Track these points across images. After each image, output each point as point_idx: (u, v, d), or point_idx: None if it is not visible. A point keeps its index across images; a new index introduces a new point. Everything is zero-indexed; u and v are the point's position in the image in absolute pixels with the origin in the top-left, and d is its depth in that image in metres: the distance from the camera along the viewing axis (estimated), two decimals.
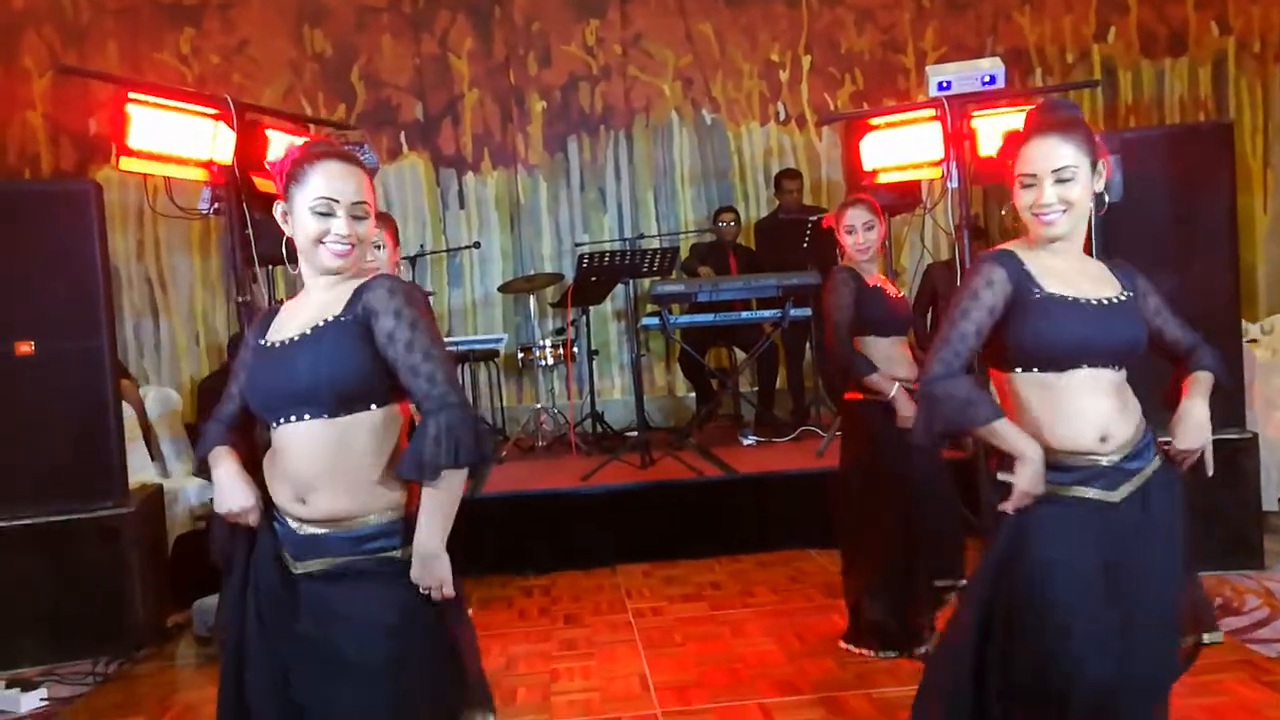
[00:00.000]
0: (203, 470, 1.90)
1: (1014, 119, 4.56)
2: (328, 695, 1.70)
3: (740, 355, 6.41)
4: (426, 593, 1.71)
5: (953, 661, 1.91)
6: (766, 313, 5.79)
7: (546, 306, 6.75)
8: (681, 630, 3.70)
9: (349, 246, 1.73)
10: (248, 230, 3.96)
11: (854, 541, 3.37)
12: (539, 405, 6.38)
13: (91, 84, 6.14)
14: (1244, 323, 4.73)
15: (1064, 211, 1.85)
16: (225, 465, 1.80)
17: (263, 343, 1.80)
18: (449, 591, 1.72)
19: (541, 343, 6.06)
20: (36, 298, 3.70)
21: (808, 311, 5.70)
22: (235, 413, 1.86)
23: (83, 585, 3.70)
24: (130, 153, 3.66)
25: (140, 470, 4.56)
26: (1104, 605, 1.80)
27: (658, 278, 5.64)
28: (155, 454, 5.12)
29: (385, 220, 3.03)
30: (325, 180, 1.72)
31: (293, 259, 1.80)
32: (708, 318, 5.78)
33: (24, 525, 3.67)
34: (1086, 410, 1.84)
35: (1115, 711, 1.79)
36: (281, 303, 1.88)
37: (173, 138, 3.73)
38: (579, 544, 4.65)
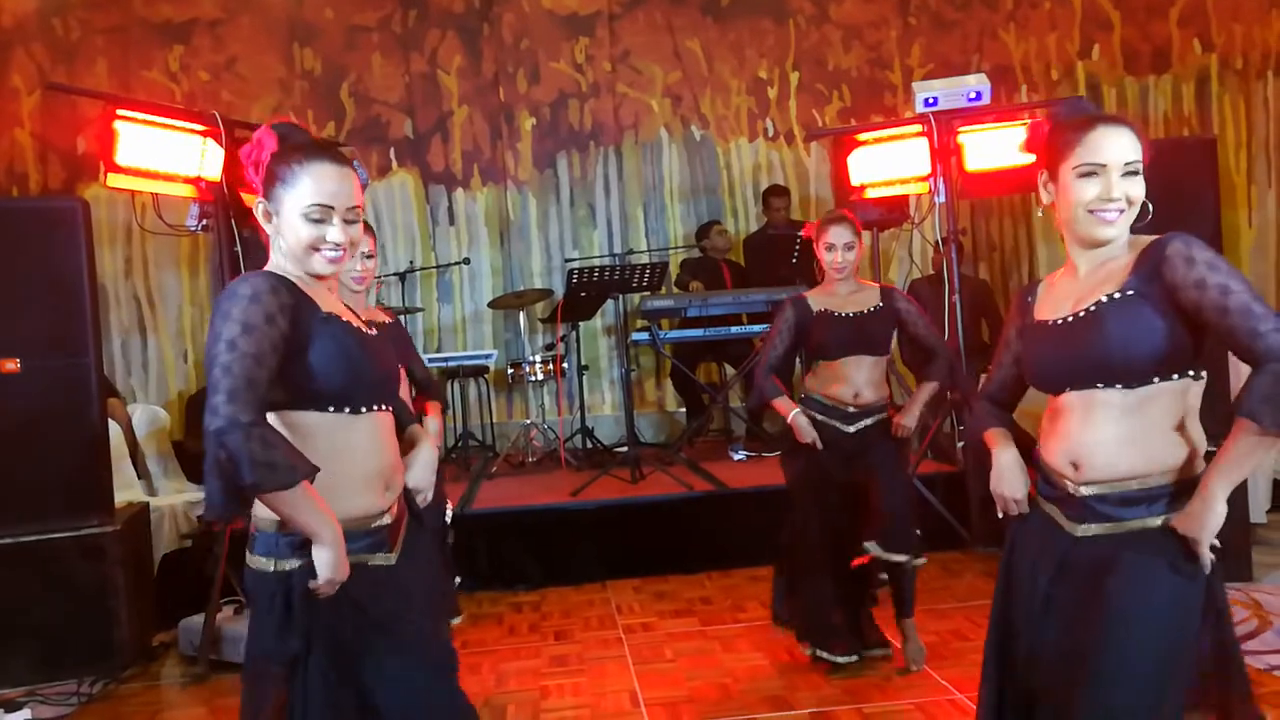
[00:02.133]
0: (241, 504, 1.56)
1: (1000, 135, 4.62)
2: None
3: (730, 370, 6.42)
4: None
5: (984, 673, 1.87)
6: (756, 328, 5.80)
7: (536, 322, 6.75)
8: (672, 646, 3.68)
9: (343, 253, 1.68)
10: (236, 247, 3.97)
11: (792, 548, 3.41)
12: (529, 421, 6.37)
13: (80, 101, 6.14)
14: None
15: (1123, 211, 1.67)
16: (335, 524, 1.60)
17: (336, 317, 1.66)
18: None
19: (532, 358, 6.06)
20: (23, 315, 3.68)
21: None
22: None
23: (67, 604, 3.66)
24: (118, 169, 3.66)
25: (126, 488, 4.54)
26: (1037, 639, 1.73)
27: (647, 293, 5.65)
28: (142, 472, 5.09)
29: (368, 230, 3.03)
30: (318, 185, 1.64)
31: (251, 253, 1.78)
32: (697, 333, 5.79)
33: (8, 543, 3.64)
34: (1064, 432, 1.73)
35: None
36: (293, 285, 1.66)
37: (161, 154, 3.73)
38: (569, 560, 4.64)
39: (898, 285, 6.56)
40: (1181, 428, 1.65)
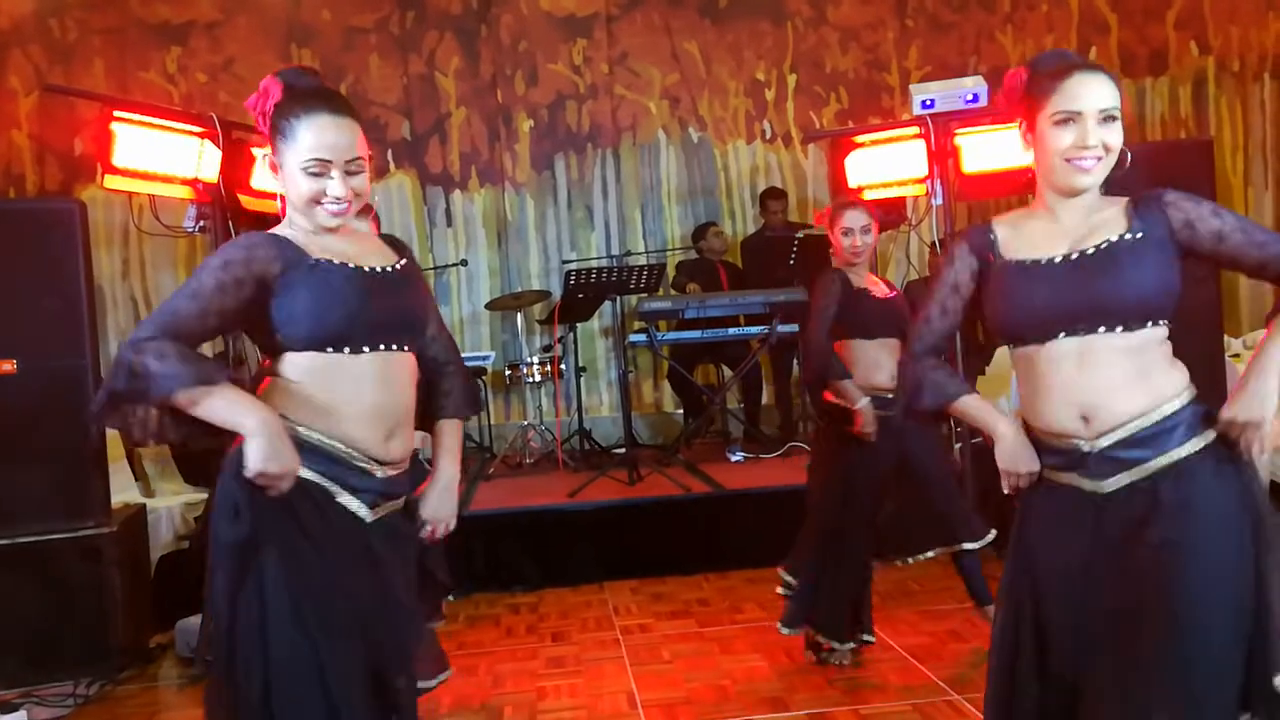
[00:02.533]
0: (133, 416, 1.56)
1: (997, 137, 4.62)
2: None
3: (728, 372, 6.42)
4: (433, 531, 1.86)
5: (995, 658, 1.77)
6: (754, 329, 5.81)
7: (534, 324, 6.75)
8: (669, 647, 3.68)
9: (347, 205, 1.66)
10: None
11: (816, 536, 3.36)
12: (526, 422, 6.37)
13: (77, 103, 6.13)
14: (1226, 338, 4.77)
15: (1100, 159, 1.64)
16: (260, 408, 1.57)
17: (330, 262, 1.65)
18: (453, 525, 1.88)
19: (529, 360, 6.06)
20: (19, 316, 3.67)
21: (795, 328, 5.71)
22: (204, 338, 1.62)
23: (63, 606, 3.65)
24: (115, 171, 3.65)
25: (123, 490, 4.53)
26: (1083, 606, 1.62)
27: (645, 294, 5.65)
28: (139, 473, 5.08)
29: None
30: (317, 137, 1.61)
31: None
32: (695, 334, 5.79)
33: (4, 544, 3.62)
34: (1066, 385, 1.62)
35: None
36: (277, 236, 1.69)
37: (158, 156, 3.72)
38: (566, 561, 4.63)
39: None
40: (1171, 365, 1.66)
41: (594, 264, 6.32)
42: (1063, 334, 1.62)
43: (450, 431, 1.91)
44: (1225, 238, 1.62)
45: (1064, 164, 1.65)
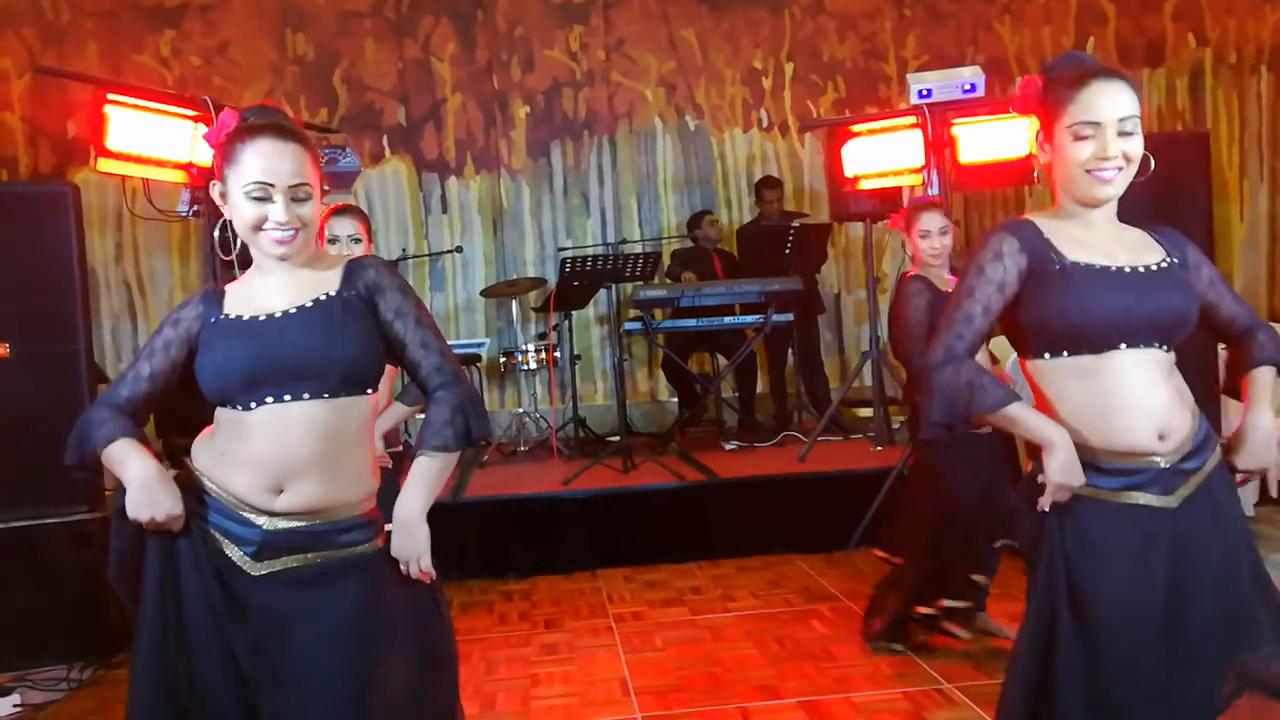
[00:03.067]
0: (84, 466, 1.69)
1: (993, 127, 4.61)
2: (292, 705, 1.59)
3: (723, 361, 6.43)
4: (405, 569, 1.67)
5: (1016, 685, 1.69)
6: (749, 318, 5.80)
7: (529, 311, 6.74)
8: (662, 635, 3.70)
9: (292, 233, 1.61)
10: (228, 233, 3.94)
11: (910, 540, 3.33)
12: (521, 410, 6.37)
13: (70, 85, 6.09)
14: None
15: (1121, 169, 1.62)
16: (141, 461, 1.62)
17: (227, 317, 1.64)
18: (427, 565, 1.67)
19: (524, 347, 6.05)
20: (12, 300, 3.66)
21: (790, 317, 5.71)
22: (140, 398, 1.69)
23: (57, 590, 3.65)
24: (109, 154, 3.64)
25: None
26: (1162, 642, 1.59)
27: (640, 282, 5.65)
28: None
29: (358, 214, 3.00)
30: (259, 161, 1.58)
31: (224, 246, 1.72)
32: (690, 323, 5.78)
33: None
34: (1141, 401, 1.60)
35: None
36: (219, 286, 1.72)
37: (152, 139, 3.71)
38: (560, 548, 4.64)
39: (890, 277, 6.58)
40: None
41: (589, 252, 6.30)
42: (1123, 345, 1.61)
43: (420, 465, 1.66)
44: (1214, 285, 1.76)
45: (1084, 175, 1.64)
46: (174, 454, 5.92)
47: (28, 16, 6.54)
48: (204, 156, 3.81)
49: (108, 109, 3.59)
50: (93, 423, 1.68)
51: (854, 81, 7.12)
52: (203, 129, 3.79)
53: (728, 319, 5.82)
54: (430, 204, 6.95)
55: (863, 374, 5.55)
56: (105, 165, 3.66)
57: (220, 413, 1.68)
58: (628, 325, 5.88)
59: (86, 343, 3.78)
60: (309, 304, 1.64)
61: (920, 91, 4.62)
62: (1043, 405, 1.69)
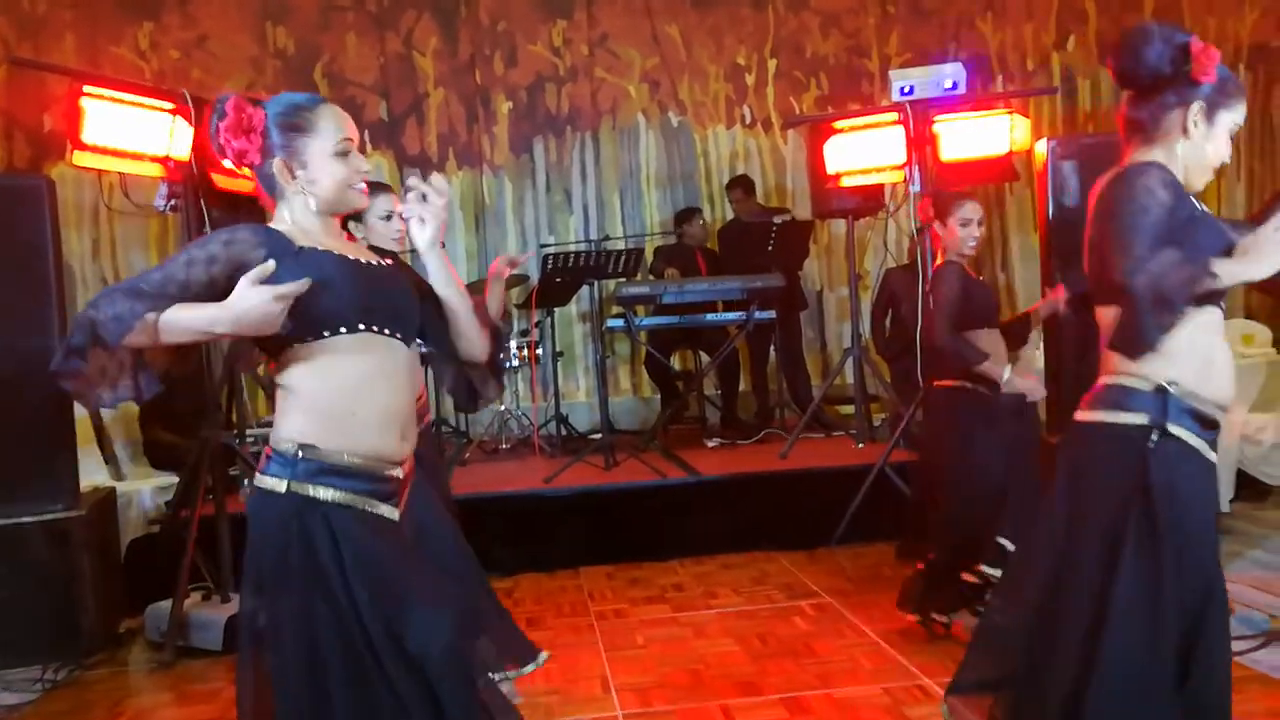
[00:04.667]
0: (82, 357, 1.56)
1: (975, 124, 4.63)
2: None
3: (705, 358, 6.43)
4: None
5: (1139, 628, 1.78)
6: (731, 315, 5.80)
7: (511, 308, 6.72)
8: (644, 632, 3.69)
9: (365, 184, 1.77)
10: (206, 228, 3.90)
11: (934, 522, 3.36)
12: (503, 407, 6.35)
13: (47, 78, 6.01)
14: None
15: None
16: (217, 305, 1.57)
17: (316, 249, 1.68)
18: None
19: (506, 344, 6.02)
20: None
21: (772, 314, 5.71)
22: (164, 304, 1.58)
23: (32, 590, 3.61)
24: (85, 147, 3.58)
25: (93, 473, 4.47)
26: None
27: (623, 279, 5.64)
28: (109, 456, 5.01)
29: (391, 190, 3.04)
30: (339, 123, 1.73)
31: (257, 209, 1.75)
32: (672, 320, 5.78)
33: None
34: (1228, 357, 1.81)
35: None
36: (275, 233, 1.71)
37: (129, 133, 3.66)
38: (542, 546, 4.63)
39: (873, 274, 6.60)
40: None
41: (572, 248, 6.29)
42: (1222, 302, 1.80)
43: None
44: None
45: (1216, 163, 1.87)
46: (156, 448, 5.86)
47: (3, 7, 6.45)
48: (182, 150, 3.77)
49: (84, 102, 3.54)
50: (115, 303, 1.54)
51: (837, 78, 7.13)
52: (181, 122, 3.75)
53: (710, 316, 5.82)
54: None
55: (845, 371, 5.56)
56: (81, 159, 3.60)
57: (322, 344, 1.65)
58: (610, 322, 5.86)
59: (62, 339, 3.73)
60: (378, 263, 1.78)
61: (903, 88, 4.62)
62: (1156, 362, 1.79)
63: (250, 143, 1.68)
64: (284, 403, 1.71)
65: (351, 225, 2.89)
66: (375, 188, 2.93)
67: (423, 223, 1.78)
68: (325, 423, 1.67)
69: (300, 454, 1.65)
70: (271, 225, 1.72)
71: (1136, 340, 1.69)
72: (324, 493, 1.65)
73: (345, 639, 1.63)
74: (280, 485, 1.65)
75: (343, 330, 1.66)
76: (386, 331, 1.71)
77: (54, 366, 1.58)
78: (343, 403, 1.67)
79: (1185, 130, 1.82)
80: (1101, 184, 1.88)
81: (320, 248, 1.70)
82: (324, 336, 1.66)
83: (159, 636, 3.74)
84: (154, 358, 1.64)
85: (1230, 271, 1.69)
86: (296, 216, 1.73)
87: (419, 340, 1.86)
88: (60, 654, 3.60)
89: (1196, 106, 1.81)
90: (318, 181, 1.71)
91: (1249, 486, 4.72)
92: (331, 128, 1.71)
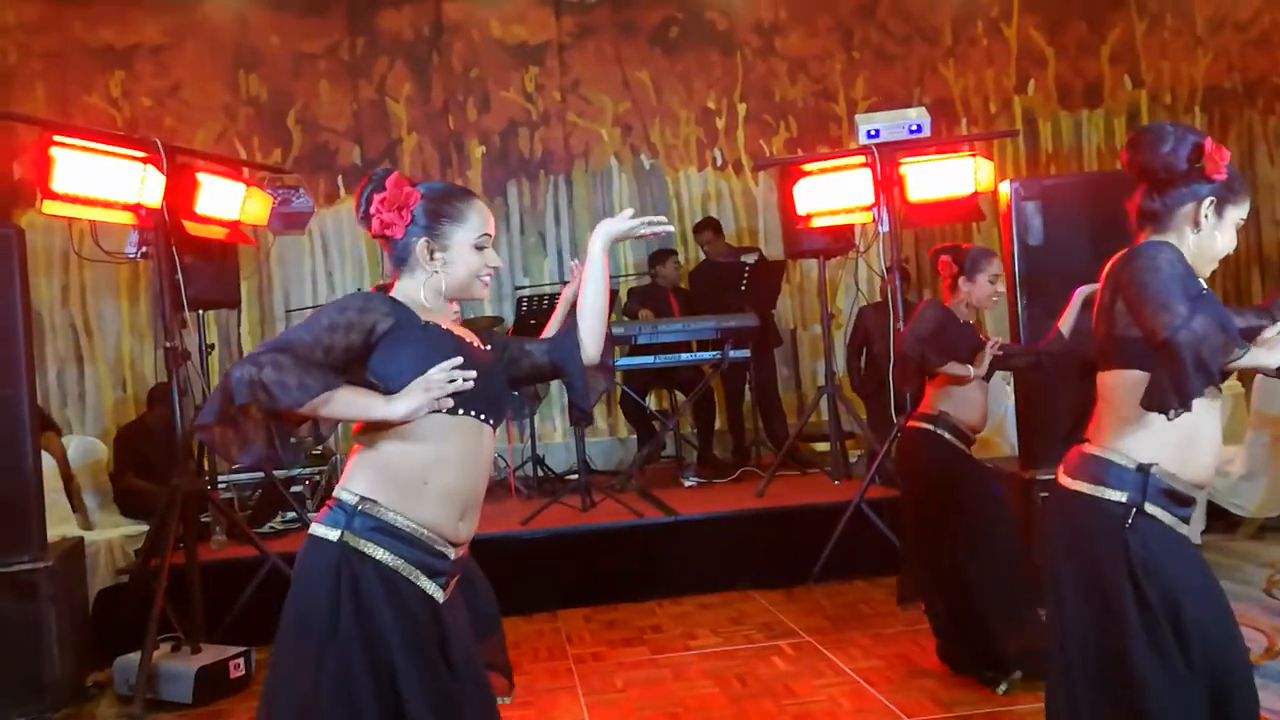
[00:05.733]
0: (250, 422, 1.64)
1: (940, 166, 4.72)
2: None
3: (681, 397, 6.44)
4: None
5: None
6: (705, 354, 5.83)
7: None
8: (623, 675, 3.66)
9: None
10: (177, 275, 3.89)
11: (923, 579, 3.38)
12: None
13: (17, 127, 5.99)
14: None
15: None
16: (383, 397, 1.70)
17: (437, 325, 1.77)
18: None
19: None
20: None
21: (746, 353, 5.75)
22: (315, 368, 1.66)
23: None
24: (55, 196, 3.58)
25: (61, 523, 4.40)
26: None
27: None
28: (77, 505, 4.94)
29: None
30: (484, 219, 1.84)
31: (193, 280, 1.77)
32: (647, 360, 5.80)
33: None
34: (1214, 435, 1.87)
35: None
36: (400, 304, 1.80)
37: (99, 181, 3.66)
38: (519, 589, 4.56)
39: (845, 312, 6.67)
40: None
41: (546, 290, 6.31)
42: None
43: None
44: None
45: (1222, 255, 1.95)
46: (129, 495, 5.78)
47: None
48: (153, 198, 3.77)
49: (53, 151, 3.54)
50: (285, 369, 1.61)
51: (805, 121, 7.26)
52: (152, 170, 3.76)
53: (685, 356, 5.85)
54: None
55: (819, 408, 5.60)
56: (51, 208, 3.60)
57: (418, 435, 1.70)
58: None
59: (29, 387, 3.69)
60: (484, 348, 1.86)
61: (869, 132, 4.72)
62: (1119, 420, 1.87)
63: (400, 218, 1.78)
64: (359, 458, 1.75)
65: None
66: None
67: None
68: (394, 485, 1.71)
69: (361, 507, 1.69)
70: (393, 295, 1.79)
71: (1176, 394, 1.71)
72: (375, 551, 1.68)
73: (383, 703, 1.64)
74: (333, 534, 1.68)
75: (443, 411, 1.71)
76: (481, 417, 1.77)
77: (203, 421, 1.64)
78: (418, 472, 1.72)
79: (1197, 223, 1.91)
80: (1116, 260, 1.96)
81: (441, 325, 1.79)
82: (425, 414, 1.70)
83: (128, 689, 3.66)
84: (289, 423, 1.70)
85: (1252, 355, 1.75)
86: (422, 293, 1.80)
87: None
88: (26, 709, 3.51)
89: (1208, 201, 1.90)
90: (453, 265, 1.80)
91: (1219, 518, 4.78)
92: (478, 221, 1.82)
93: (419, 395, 1.67)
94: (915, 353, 3.21)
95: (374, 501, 1.69)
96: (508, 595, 4.51)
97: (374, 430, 1.73)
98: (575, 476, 5.41)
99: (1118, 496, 1.85)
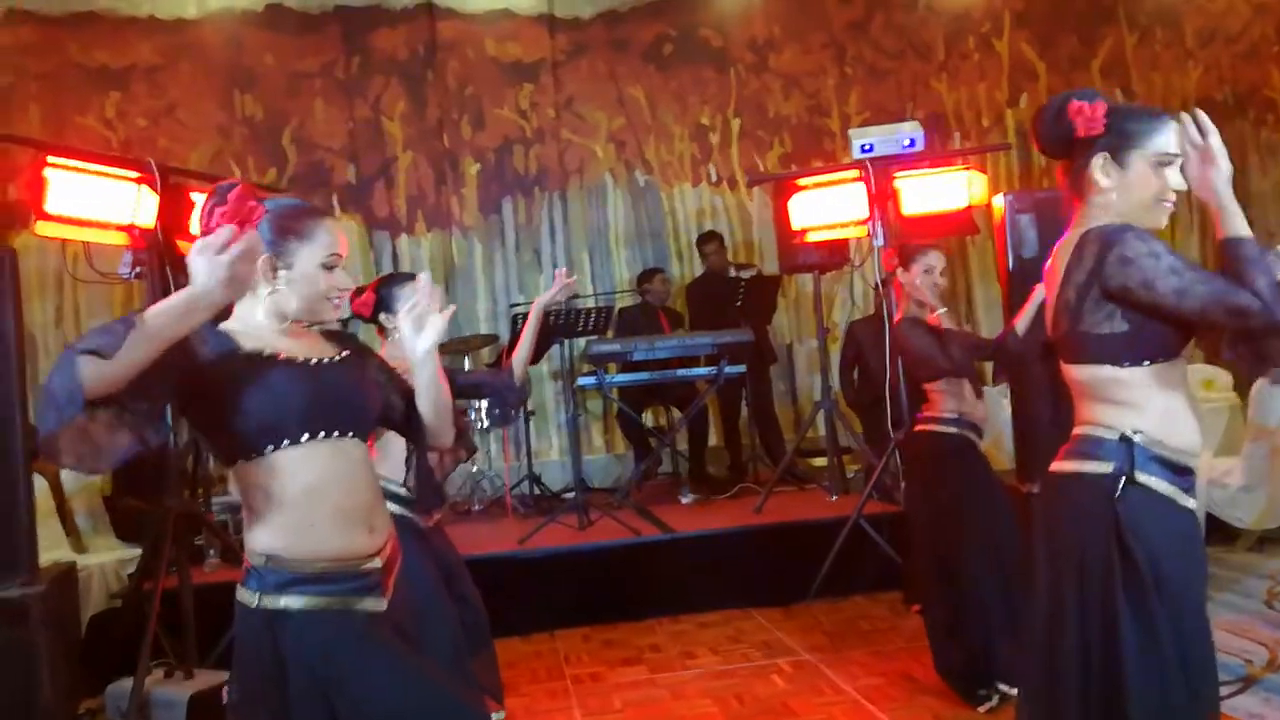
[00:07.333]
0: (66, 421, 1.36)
1: (934, 180, 4.73)
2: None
3: (677, 414, 6.42)
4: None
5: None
6: (701, 370, 5.82)
7: (482, 368, 6.70)
8: (621, 695, 3.63)
9: (340, 298, 1.82)
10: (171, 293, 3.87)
11: (928, 579, 3.35)
12: (475, 468, 6.30)
13: (11, 148, 5.98)
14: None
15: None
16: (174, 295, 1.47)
17: (260, 353, 1.66)
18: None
19: (477, 405, 6.00)
20: None
21: (742, 369, 5.74)
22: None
23: None
24: (49, 217, 3.57)
25: (53, 547, 4.36)
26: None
27: (594, 337, 5.65)
28: (69, 529, 4.89)
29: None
30: (333, 239, 1.79)
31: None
32: (644, 376, 5.79)
33: None
34: (1193, 406, 1.83)
35: None
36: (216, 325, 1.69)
37: (93, 202, 3.65)
38: (516, 610, 4.54)
39: (840, 327, 6.66)
40: None
41: None
42: (1185, 353, 1.81)
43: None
44: None
45: (1156, 204, 1.84)
46: (125, 517, 5.71)
47: None
48: (147, 218, 3.76)
49: (47, 172, 3.53)
50: (92, 337, 1.38)
51: (799, 137, 7.28)
52: (146, 190, 3.75)
53: (681, 371, 5.83)
54: (382, 262, 6.92)
55: (816, 423, 5.58)
56: (44, 229, 3.58)
57: (273, 459, 1.63)
58: (581, 380, 5.86)
59: (22, 409, 3.66)
60: (338, 358, 1.78)
61: (862, 146, 4.73)
62: (1103, 407, 1.82)
63: (267, 232, 1.70)
64: (246, 516, 1.70)
65: (383, 316, 2.84)
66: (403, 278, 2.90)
67: (420, 330, 1.81)
68: (286, 534, 1.65)
69: (269, 564, 1.65)
70: (221, 326, 1.70)
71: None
72: (295, 602, 1.63)
73: None
74: (253, 599, 1.65)
75: (285, 443, 1.64)
76: (335, 434, 1.69)
77: (48, 429, 1.39)
78: (297, 515, 1.65)
79: (1095, 185, 1.84)
80: (1069, 243, 1.88)
81: (267, 351, 1.68)
82: (266, 452, 1.63)
83: (120, 717, 3.61)
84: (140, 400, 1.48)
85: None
86: (255, 315, 1.73)
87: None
88: None
89: (1097, 161, 1.83)
90: (297, 284, 1.74)
91: (1218, 530, 4.76)
92: (327, 240, 1.77)
93: (203, 262, 1.44)
94: (946, 363, 3.22)
95: (278, 557, 1.64)
96: (504, 616, 4.51)
97: (242, 483, 1.68)
98: (572, 495, 5.39)
99: (1104, 468, 1.79)
